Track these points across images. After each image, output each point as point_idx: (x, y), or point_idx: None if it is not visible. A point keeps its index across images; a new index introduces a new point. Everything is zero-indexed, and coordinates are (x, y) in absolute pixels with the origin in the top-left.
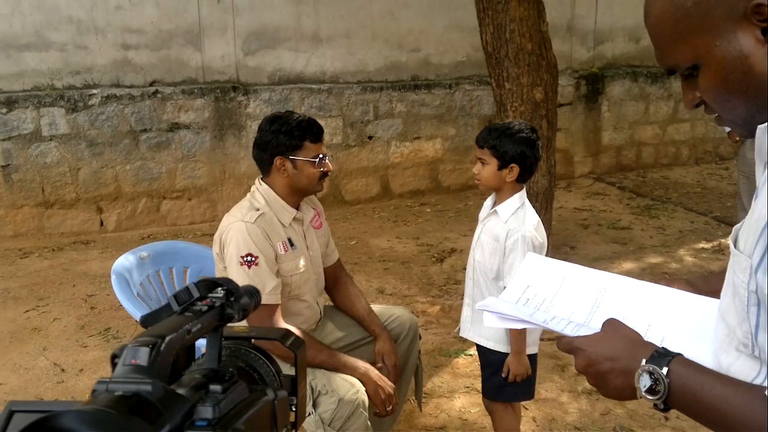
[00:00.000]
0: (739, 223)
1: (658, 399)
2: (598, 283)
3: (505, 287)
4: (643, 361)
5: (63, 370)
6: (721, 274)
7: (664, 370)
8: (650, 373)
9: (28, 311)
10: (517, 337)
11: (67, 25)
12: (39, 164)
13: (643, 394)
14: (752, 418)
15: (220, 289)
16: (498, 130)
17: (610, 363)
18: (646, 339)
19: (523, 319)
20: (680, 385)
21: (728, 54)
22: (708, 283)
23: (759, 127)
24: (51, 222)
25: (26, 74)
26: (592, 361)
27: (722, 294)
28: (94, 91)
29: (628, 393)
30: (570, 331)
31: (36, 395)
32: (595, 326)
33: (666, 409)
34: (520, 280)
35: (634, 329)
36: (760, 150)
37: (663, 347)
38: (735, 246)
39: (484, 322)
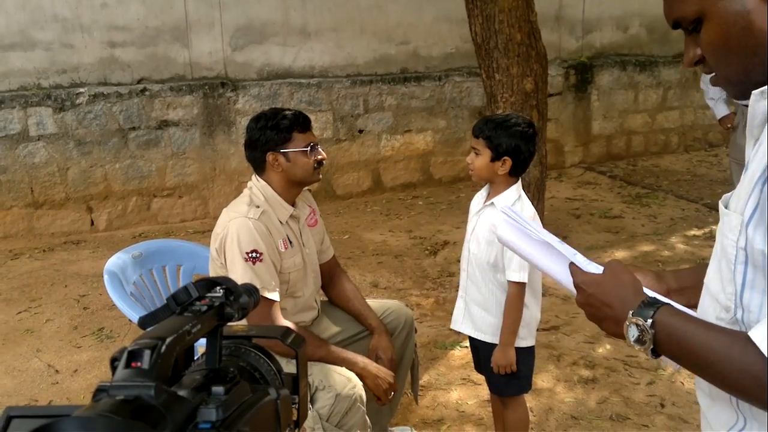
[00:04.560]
0: (729, 193)
1: (645, 349)
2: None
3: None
4: (630, 312)
5: (57, 371)
6: (693, 270)
7: (649, 321)
8: (637, 325)
9: (20, 313)
10: (509, 328)
11: (52, 23)
12: (27, 164)
13: (632, 343)
14: (732, 362)
15: (218, 288)
16: (495, 122)
17: (606, 309)
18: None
19: (539, 236)
20: (665, 334)
21: (731, 8)
22: (679, 280)
23: (753, 93)
24: (41, 222)
25: (12, 74)
26: (590, 303)
27: (709, 266)
28: (81, 90)
29: (622, 337)
30: (579, 260)
31: (30, 397)
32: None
33: (657, 356)
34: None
35: (634, 274)
36: (750, 123)
37: (652, 297)
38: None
39: (499, 231)
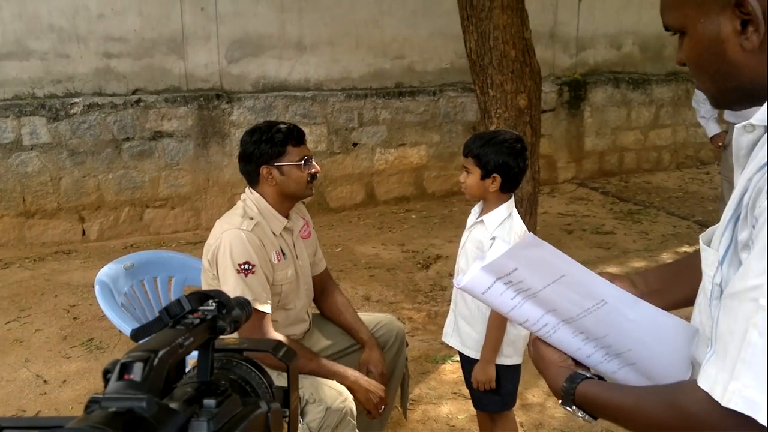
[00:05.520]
0: (711, 228)
1: (586, 420)
2: (596, 295)
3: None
4: (560, 402)
5: (45, 381)
6: (658, 272)
7: (573, 407)
8: (567, 409)
9: (9, 322)
10: (490, 345)
11: (48, 33)
12: (20, 174)
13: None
14: (643, 407)
15: (211, 301)
16: (482, 140)
17: (547, 381)
18: (620, 352)
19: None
20: (590, 407)
21: (708, 33)
22: (647, 283)
23: (736, 127)
24: (32, 232)
25: (7, 83)
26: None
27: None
28: (76, 100)
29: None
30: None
31: (18, 407)
32: (562, 328)
33: (594, 418)
34: (510, 258)
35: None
36: (736, 154)
37: (571, 374)
38: (709, 245)
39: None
